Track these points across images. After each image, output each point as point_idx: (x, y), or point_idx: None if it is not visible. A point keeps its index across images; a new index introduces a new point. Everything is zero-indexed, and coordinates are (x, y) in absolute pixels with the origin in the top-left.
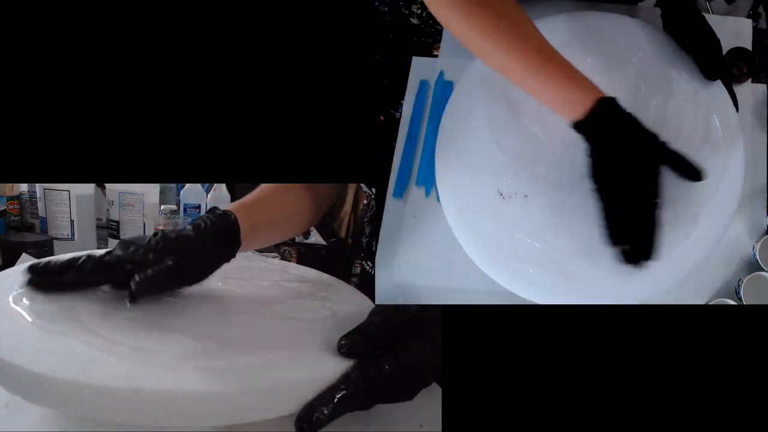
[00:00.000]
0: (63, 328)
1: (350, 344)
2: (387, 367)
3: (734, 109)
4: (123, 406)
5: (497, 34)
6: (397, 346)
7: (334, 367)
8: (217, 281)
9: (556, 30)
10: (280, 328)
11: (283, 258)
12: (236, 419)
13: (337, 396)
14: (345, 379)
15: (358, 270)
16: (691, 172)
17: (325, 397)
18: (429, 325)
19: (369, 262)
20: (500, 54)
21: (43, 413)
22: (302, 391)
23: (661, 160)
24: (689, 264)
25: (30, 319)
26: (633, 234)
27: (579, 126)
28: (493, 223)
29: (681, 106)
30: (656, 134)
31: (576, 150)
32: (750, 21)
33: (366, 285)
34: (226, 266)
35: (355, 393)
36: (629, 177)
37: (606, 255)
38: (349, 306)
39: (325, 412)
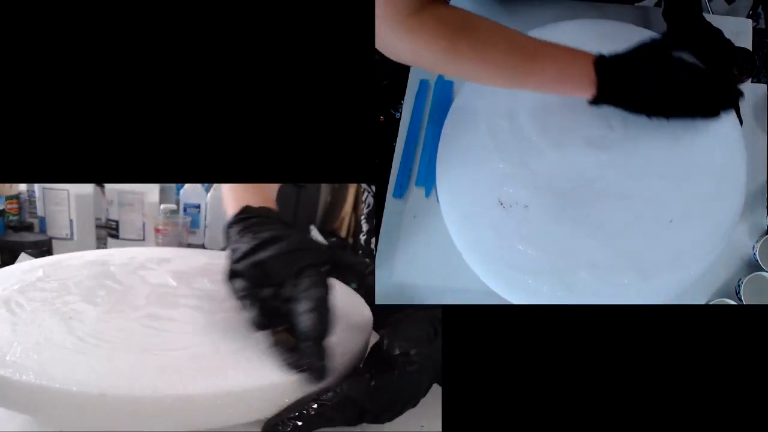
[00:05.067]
0: (33, 329)
1: (402, 349)
2: (373, 384)
3: (737, 120)
4: (88, 412)
5: (483, 55)
6: (391, 365)
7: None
8: (204, 280)
9: (561, 38)
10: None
11: None
12: (207, 424)
13: (309, 412)
14: (321, 395)
15: None
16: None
17: (294, 410)
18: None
19: (366, 260)
20: (492, 71)
21: (28, 422)
22: (276, 395)
23: (670, 52)
24: (691, 275)
25: (6, 319)
26: (716, 100)
27: (598, 101)
28: (494, 232)
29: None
30: (645, 42)
31: (577, 159)
32: (750, 21)
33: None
34: (219, 267)
35: (329, 412)
36: (669, 84)
37: (606, 266)
38: (342, 306)
39: (292, 427)
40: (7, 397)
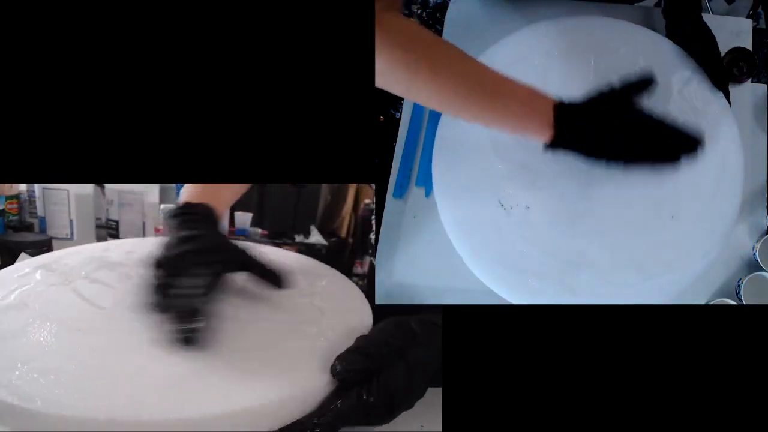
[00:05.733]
0: (36, 346)
1: (346, 367)
2: (371, 400)
3: (733, 118)
4: None
5: (439, 82)
6: (385, 372)
7: (315, 383)
8: None
9: (558, 35)
10: (261, 335)
11: None
12: None
13: None
14: (320, 416)
15: (358, 269)
16: (645, 82)
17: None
18: (429, 348)
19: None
20: (450, 99)
21: None
22: (281, 410)
23: (630, 100)
24: (691, 274)
25: (9, 335)
26: (675, 148)
27: (555, 145)
28: (495, 234)
29: (682, 114)
30: (604, 90)
31: (576, 159)
32: (750, 21)
33: (373, 281)
34: None
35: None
36: (627, 132)
37: (607, 266)
38: (340, 304)
39: None
40: (12, 422)
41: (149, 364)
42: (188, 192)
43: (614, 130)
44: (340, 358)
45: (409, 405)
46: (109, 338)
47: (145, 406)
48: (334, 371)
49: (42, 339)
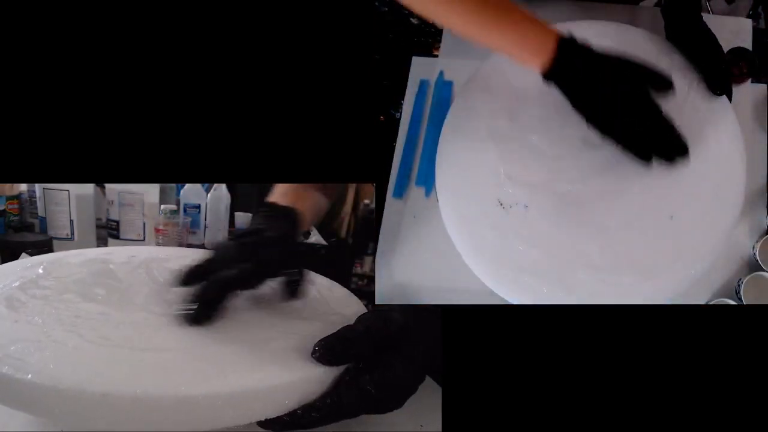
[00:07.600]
0: (34, 327)
1: (324, 351)
2: (371, 391)
3: (736, 121)
4: (91, 411)
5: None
6: (379, 363)
7: (311, 372)
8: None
9: None
10: (258, 332)
11: None
12: (208, 425)
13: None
14: (320, 402)
15: (358, 270)
16: (664, 82)
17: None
18: (419, 335)
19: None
20: (458, 16)
21: (29, 421)
22: (277, 396)
23: (639, 79)
24: (691, 274)
25: (7, 316)
26: (657, 143)
27: (550, 75)
28: (494, 233)
29: (682, 117)
30: (622, 56)
31: (577, 160)
32: (750, 21)
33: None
34: None
35: (324, 420)
36: (622, 102)
37: (606, 266)
38: (336, 310)
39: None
40: (9, 395)
41: (148, 342)
42: (276, 193)
43: (610, 92)
44: (318, 342)
45: (412, 390)
46: (108, 318)
47: (142, 382)
48: (313, 353)
49: (41, 321)
